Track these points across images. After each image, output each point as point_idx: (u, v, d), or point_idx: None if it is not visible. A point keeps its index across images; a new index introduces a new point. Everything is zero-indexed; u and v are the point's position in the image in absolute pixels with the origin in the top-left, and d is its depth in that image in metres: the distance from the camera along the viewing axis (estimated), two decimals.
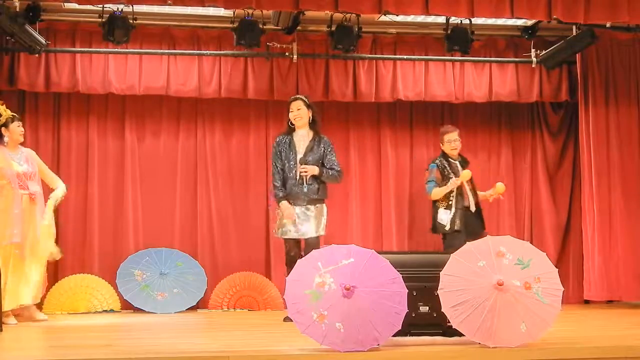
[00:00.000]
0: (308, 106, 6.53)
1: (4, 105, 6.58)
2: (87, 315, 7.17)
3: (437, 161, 7.22)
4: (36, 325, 6.37)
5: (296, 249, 6.41)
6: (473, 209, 7.08)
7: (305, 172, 6.37)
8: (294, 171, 6.42)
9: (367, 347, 4.38)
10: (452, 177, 7.03)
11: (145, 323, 6.55)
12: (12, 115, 6.56)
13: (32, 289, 6.42)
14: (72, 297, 7.39)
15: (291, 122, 6.55)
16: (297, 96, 6.66)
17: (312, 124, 6.55)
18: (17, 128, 6.54)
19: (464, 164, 7.22)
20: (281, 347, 4.78)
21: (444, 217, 7.05)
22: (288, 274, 6.27)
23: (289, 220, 6.38)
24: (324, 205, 6.51)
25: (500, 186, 7.23)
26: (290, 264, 6.35)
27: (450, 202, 7.05)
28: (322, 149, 6.50)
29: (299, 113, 6.48)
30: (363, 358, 4.33)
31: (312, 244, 6.25)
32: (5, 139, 6.48)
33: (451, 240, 6.84)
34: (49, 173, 6.80)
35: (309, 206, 6.39)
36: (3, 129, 6.48)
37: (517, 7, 6.50)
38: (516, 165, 8.44)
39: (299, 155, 6.45)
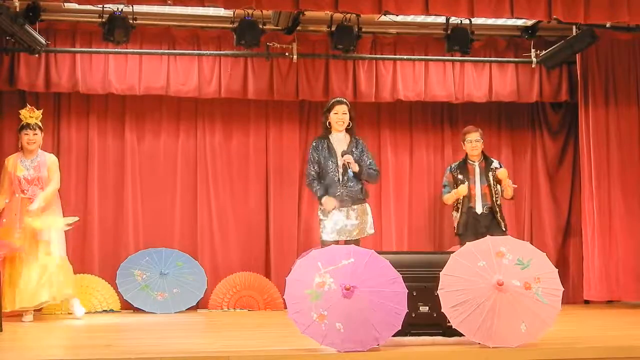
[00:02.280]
0: (350, 110, 6.55)
1: (29, 111, 6.86)
2: (87, 315, 7.15)
3: (453, 164, 7.25)
4: (36, 325, 6.37)
5: None
6: (480, 211, 6.98)
7: (350, 161, 6.34)
8: (337, 172, 6.39)
9: (367, 347, 4.38)
10: (463, 182, 6.99)
11: (145, 323, 6.55)
12: (22, 124, 6.84)
13: (42, 289, 6.55)
14: None
15: (328, 125, 6.55)
16: (342, 99, 6.63)
17: (351, 127, 6.57)
18: (23, 137, 6.82)
19: (488, 164, 7.10)
20: (281, 347, 4.78)
21: (455, 219, 7.12)
22: None
23: (337, 221, 6.35)
24: (367, 204, 6.52)
25: (500, 172, 7.00)
26: None
27: (458, 205, 7.08)
28: (360, 150, 6.52)
29: (345, 117, 6.51)
30: (363, 358, 4.33)
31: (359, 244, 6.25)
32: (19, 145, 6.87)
33: (462, 242, 6.80)
34: (51, 179, 6.84)
35: (354, 207, 6.39)
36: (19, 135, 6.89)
37: (517, 7, 6.50)
38: (516, 165, 8.44)
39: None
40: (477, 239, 4.94)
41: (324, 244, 6.33)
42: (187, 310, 7.52)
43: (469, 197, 7.02)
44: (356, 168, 6.39)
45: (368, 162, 6.53)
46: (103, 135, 7.93)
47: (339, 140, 6.52)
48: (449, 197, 7.15)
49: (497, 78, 8.14)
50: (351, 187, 6.38)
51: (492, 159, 7.23)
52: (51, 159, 6.92)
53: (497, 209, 7.02)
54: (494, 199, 7.01)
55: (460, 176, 7.08)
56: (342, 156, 6.40)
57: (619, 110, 7.90)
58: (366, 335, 4.38)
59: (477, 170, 7.09)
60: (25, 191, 6.68)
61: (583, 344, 4.82)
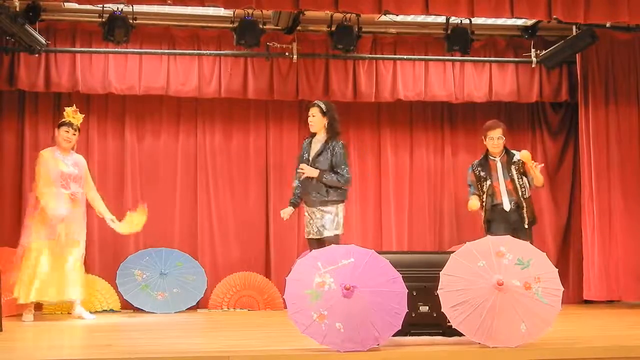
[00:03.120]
0: (324, 113, 6.39)
1: (74, 112, 6.87)
2: None
3: (474, 162, 6.93)
4: (36, 325, 6.37)
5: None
6: (507, 207, 6.67)
7: (302, 171, 6.33)
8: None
9: (367, 347, 4.38)
10: (486, 179, 6.72)
11: (145, 323, 6.55)
12: (63, 120, 6.83)
13: (69, 286, 6.58)
14: None
15: None
16: (315, 102, 6.53)
17: (329, 129, 6.41)
18: (62, 133, 6.79)
19: (509, 158, 6.76)
20: (281, 347, 4.78)
21: (482, 216, 6.83)
22: None
23: (307, 221, 6.41)
24: (339, 205, 6.34)
25: (523, 154, 6.67)
26: None
27: (483, 202, 6.78)
28: (330, 154, 6.34)
29: (312, 120, 6.44)
30: (363, 358, 4.33)
31: (327, 242, 6.18)
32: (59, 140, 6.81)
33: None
34: (89, 181, 7.00)
35: (321, 207, 6.31)
36: (57, 130, 6.84)
37: (517, 7, 6.50)
38: None
39: (310, 158, 6.41)
40: (507, 234, 4.91)
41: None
42: (187, 310, 7.52)
43: (493, 194, 6.72)
44: (312, 174, 6.27)
45: (337, 167, 6.30)
46: (103, 135, 7.93)
47: (318, 141, 6.45)
48: (470, 205, 6.81)
49: (497, 78, 8.14)
50: (319, 188, 6.31)
51: (514, 152, 6.84)
52: (83, 160, 6.94)
53: (524, 204, 6.68)
54: (519, 193, 6.69)
55: (482, 173, 6.78)
56: (304, 166, 6.36)
57: (619, 110, 7.90)
58: (366, 335, 4.38)
59: (499, 165, 6.77)
60: (67, 187, 6.64)
61: (583, 344, 4.82)
